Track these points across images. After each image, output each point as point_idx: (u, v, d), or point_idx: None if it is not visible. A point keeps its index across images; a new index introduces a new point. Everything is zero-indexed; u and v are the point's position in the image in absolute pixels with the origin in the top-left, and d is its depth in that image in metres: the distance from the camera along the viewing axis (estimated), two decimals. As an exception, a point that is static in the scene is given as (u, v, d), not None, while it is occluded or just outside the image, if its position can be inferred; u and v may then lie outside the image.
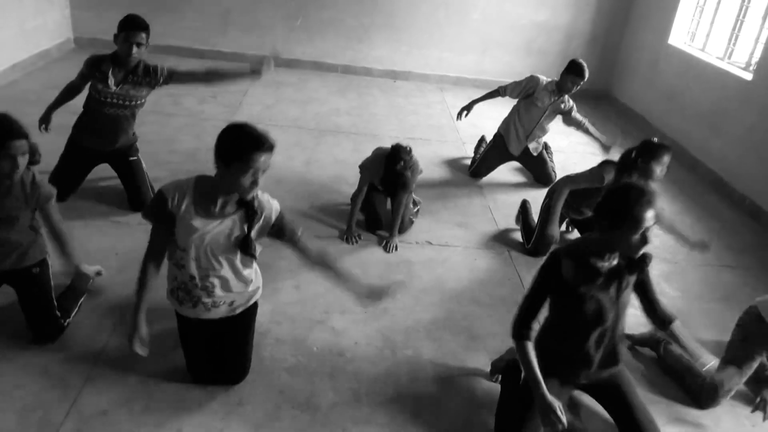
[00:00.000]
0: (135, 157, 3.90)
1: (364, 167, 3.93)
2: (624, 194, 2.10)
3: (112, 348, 2.74)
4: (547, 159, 5.11)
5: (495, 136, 5.07)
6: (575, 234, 4.24)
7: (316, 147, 5.21)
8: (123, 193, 3.95)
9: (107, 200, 3.84)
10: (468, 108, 5.04)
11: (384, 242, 3.87)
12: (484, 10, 7.32)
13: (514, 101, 4.98)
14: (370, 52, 7.50)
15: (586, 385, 2.45)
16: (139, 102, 3.71)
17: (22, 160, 2.43)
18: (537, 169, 5.06)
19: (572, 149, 5.98)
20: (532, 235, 3.99)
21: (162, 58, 6.99)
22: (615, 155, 3.83)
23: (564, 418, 2.11)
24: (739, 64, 5.64)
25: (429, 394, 2.74)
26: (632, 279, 2.29)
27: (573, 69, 4.69)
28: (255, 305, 2.59)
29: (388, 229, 3.92)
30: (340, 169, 4.79)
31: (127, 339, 2.33)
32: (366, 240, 3.90)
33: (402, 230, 3.96)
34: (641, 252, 2.16)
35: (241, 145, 2.13)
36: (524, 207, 4.25)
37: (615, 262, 2.22)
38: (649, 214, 2.06)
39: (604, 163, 3.73)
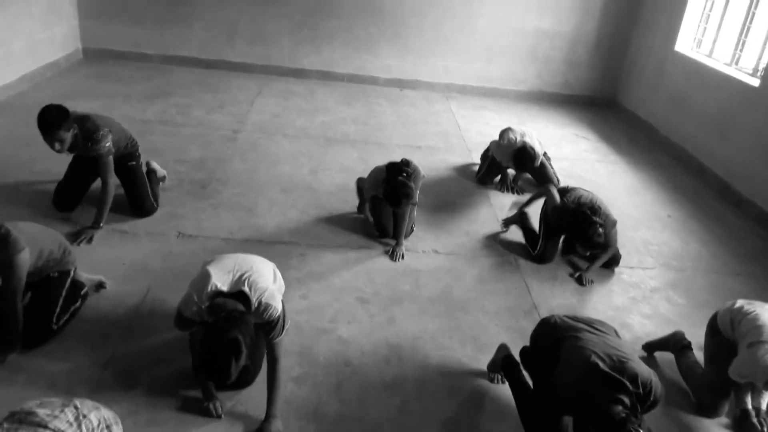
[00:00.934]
0: (134, 162, 3.92)
1: (366, 190, 4.02)
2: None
3: (117, 359, 2.75)
4: (548, 164, 5.09)
5: None
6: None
7: (323, 156, 5.23)
8: (128, 204, 3.98)
9: (112, 211, 3.85)
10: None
11: (390, 251, 3.87)
12: (490, 19, 7.33)
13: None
14: (377, 61, 7.53)
15: None
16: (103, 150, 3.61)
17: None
18: (538, 174, 5.07)
19: (578, 156, 5.97)
20: (536, 242, 4.00)
21: (170, 69, 7.10)
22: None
23: None
24: (746, 70, 5.62)
25: (436, 404, 2.73)
26: None
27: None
28: None
29: (394, 237, 3.94)
30: (347, 177, 4.80)
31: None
32: (373, 249, 3.90)
33: (405, 236, 3.98)
34: None
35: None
36: (522, 215, 4.29)
37: None
38: None
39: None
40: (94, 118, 3.62)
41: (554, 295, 3.65)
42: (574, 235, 3.76)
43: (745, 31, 5.72)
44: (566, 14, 7.38)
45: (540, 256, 3.96)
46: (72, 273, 2.96)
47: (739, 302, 2.92)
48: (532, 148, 4.79)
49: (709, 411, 2.87)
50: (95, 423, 1.71)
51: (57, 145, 3.41)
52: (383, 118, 6.43)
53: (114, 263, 3.42)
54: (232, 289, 2.40)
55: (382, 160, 4.10)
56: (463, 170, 5.32)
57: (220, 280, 2.41)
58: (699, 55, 6.29)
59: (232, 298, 2.38)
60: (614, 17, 7.42)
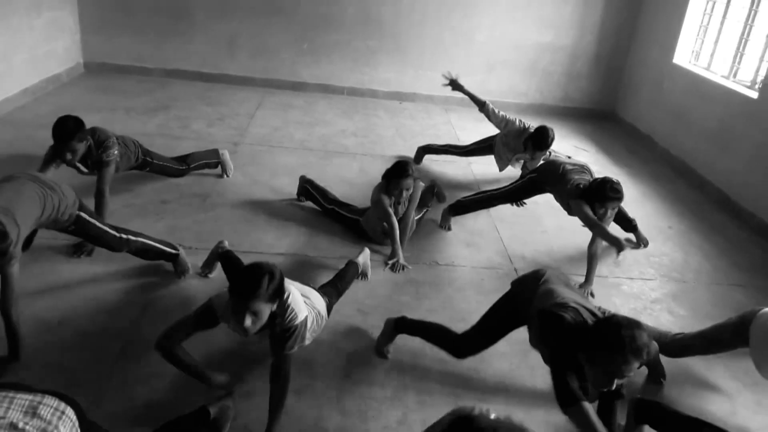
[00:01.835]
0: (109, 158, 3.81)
1: (366, 222, 4.08)
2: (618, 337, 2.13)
3: (117, 371, 2.73)
4: None
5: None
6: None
7: (323, 168, 5.23)
8: (129, 217, 3.99)
9: (111, 221, 3.85)
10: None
11: (391, 263, 3.87)
12: (490, 32, 7.38)
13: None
14: (376, 74, 7.56)
15: None
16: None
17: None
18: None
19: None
20: None
21: (170, 83, 7.13)
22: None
23: None
24: (744, 83, 5.64)
25: (437, 415, 2.70)
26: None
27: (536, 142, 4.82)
28: None
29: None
30: (347, 189, 4.80)
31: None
32: (373, 260, 3.89)
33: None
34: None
35: None
36: None
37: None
38: (635, 364, 2.11)
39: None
40: (102, 129, 3.79)
41: (555, 307, 3.63)
42: (593, 198, 3.72)
43: (742, 43, 5.75)
44: (566, 28, 7.43)
45: None
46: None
47: None
48: (552, 129, 4.79)
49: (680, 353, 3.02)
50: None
51: (69, 155, 3.49)
52: (383, 131, 6.44)
53: (114, 276, 3.41)
54: None
55: (382, 171, 4.09)
56: (463, 182, 5.32)
57: None
58: (697, 68, 6.32)
59: None
60: (613, 31, 7.47)
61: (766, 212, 4.93)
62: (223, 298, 2.40)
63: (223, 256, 3.38)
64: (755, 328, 2.73)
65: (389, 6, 7.24)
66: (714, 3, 6.28)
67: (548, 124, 4.90)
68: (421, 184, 4.14)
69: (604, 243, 3.77)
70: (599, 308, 2.72)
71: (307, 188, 4.45)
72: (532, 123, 5.02)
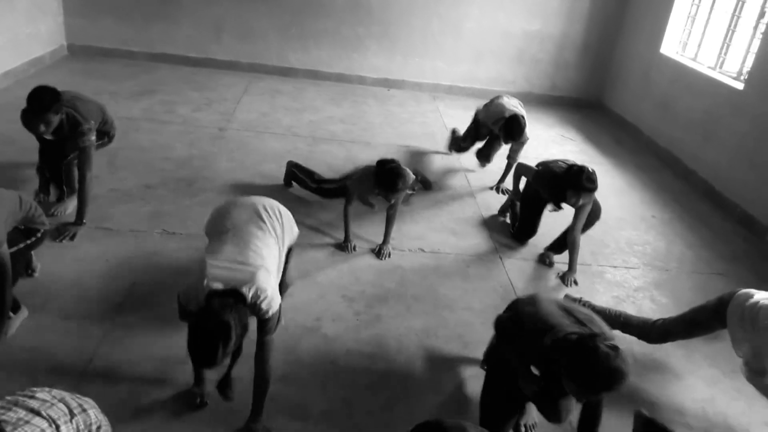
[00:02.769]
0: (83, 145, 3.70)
1: (353, 184, 3.93)
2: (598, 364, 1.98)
3: (100, 356, 2.72)
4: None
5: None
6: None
7: (310, 155, 5.21)
8: (114, 202, 3.97)
9: (96, 206, 3.83)
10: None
11: (377, 249, 3.87)
12: (478, 20, 7.36)
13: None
14: (364, 61, 7.52)
15: None
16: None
17: None
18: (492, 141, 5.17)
19: (565, 157, 5.97)
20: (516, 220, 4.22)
21: (156, 67, 7.06)
22: None
23: None
24: (730, 74, 5.67)
25: (422, 401, 2.73)
26: None
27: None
28: None
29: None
30: (334, 176, 4.78)
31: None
32: (359, 247, 3.89)
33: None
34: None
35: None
36: (512, 202, 4.43)
37: None
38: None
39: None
40: (81, 108, 3.60)
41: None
42: (567, 185, 3.65)
43: (729, 34, 5.78)
44: (554, 17, 7.42)
45: (520, 230, 4.16)
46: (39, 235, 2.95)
47: (753, 298, 2.79)
48: (524, 118, 4.75)
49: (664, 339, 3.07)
50: (92, 419, 1.69)
51: (42, 127, 3.37)
52: (371, 118, 6.42)
53: (97, 260, 3.38)
54: (227, 285, 2.25)
55: (370, 159, 4.09)
56: (449, 170, 5.33)
57: (217, 276, 2.26)
58: (684, 59, 6.35)
59: (228, 296, 2.22)
60: (601, 20, 7.48)
61: (749, 203, 4.98)
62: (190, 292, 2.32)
63: None
64: (732, 309, 2.80)
65: (378, -8, 7.20)
66: (702, -6, 6.31)
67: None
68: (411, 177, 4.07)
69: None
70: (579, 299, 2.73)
71: (294, 172, 4.43)
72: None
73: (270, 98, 6.57)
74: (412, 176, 3.97)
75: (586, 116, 7.47)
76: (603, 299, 3.70)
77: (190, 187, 4.36)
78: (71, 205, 3.82)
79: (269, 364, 2.43)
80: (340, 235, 3.95)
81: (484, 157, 5.27)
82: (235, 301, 2.19)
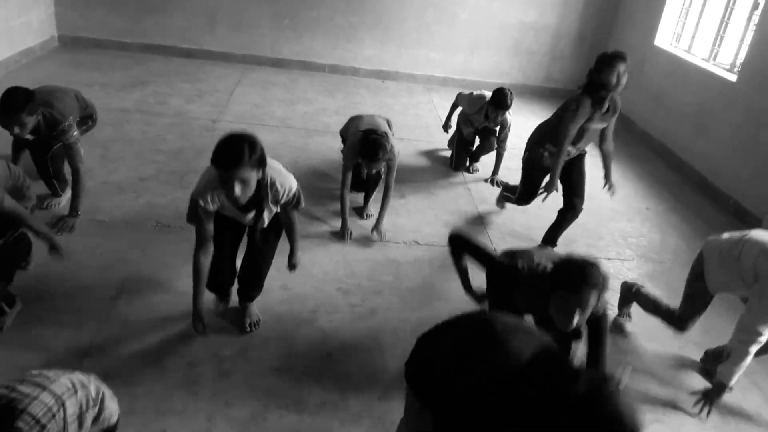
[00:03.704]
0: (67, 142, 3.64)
1: (345, 153, 3.93)
2: (580, 270, 2.15)
3: (94, 349, 2.71)
4: (496, 132, 5.04)
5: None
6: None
7: (304, 146, 5.19)
8: (106, 194, 3.95)
9: (88, 199, 3.80)
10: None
11: (372, 230, 3.93)
12: (472, 11, 7.33)
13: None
14: (358, 51, 7.49)
15: None
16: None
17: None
18: (484, 139, 5.11)
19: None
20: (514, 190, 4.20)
21: (148, 58, 7.00)
22: None
23: None
24: (723, 66, 5.68)
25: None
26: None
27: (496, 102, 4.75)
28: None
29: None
30: (329, 167, 4.78)
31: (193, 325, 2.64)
32: (355, 240, 3.88)
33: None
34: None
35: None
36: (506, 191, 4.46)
37: None
38: (592, 298, 2.13)
39: (583, 96, 3.97)
40: (58, 105, 3.51)
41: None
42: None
43: (723, 26, 5.79)
44: (549, 8, 7.40)
45: (518, 200, 4.16)
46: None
47: (724, 236, 2.97)
48: (510, 91, 4.79)
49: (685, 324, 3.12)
50: (92, 393, 1.80)
51: (17, 129, 3.28)
52: (364, 109, 6.38)
53: (91, 252, 3.36)
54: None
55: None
56: (444, 162, 5.32)
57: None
58: (678, 51, 6.35)
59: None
60: (596, 11, 7.47)
61: (741, 194, 5.00)
62: (201, 184, 2.55)
63: None
64: (708, 252, 3.00)
65: (372, -18, 7.16)
66: (696, -15, 6.30)
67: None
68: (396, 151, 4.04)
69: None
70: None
71: None
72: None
73: (263, 90, 6.53)
74: (397, 151, 3.93)
75: (580, 108, 7.46)
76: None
77: (182, 179, 4.33)
78: (65, 198, 3.81)
79: (296, 220, 2.80)
80: (337, 224, 3.94)
81: (474, 158, 5.22)
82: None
